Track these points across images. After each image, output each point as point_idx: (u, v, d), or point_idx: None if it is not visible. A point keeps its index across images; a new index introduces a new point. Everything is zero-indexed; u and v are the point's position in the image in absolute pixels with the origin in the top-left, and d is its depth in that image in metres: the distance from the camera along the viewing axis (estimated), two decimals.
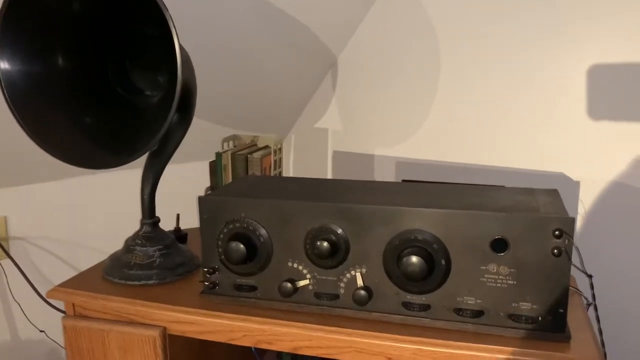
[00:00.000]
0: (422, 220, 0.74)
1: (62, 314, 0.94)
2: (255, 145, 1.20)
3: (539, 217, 0.69)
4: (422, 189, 0.88)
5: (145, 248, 0.94)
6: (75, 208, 1.28)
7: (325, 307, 0.81)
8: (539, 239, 0.70)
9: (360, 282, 0.78)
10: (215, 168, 1.11)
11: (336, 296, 0.80)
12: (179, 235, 1.11)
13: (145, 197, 0.95)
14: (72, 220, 1.28)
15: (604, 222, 1.13)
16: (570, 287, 0.71)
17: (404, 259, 0.73)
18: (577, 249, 0.69)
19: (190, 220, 1.21)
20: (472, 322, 0.75)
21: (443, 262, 0.74)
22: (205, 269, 0.85)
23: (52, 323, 1.18)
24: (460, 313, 0.75)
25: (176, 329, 0.86)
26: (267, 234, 0.81)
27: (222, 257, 0.84)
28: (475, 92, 1.29)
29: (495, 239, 0.72)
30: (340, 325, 0.78)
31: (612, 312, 0.88)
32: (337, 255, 0.78)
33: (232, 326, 0.82)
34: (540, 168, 1.24)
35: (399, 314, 0.77)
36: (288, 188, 0.89)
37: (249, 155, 1.10)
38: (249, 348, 0.86)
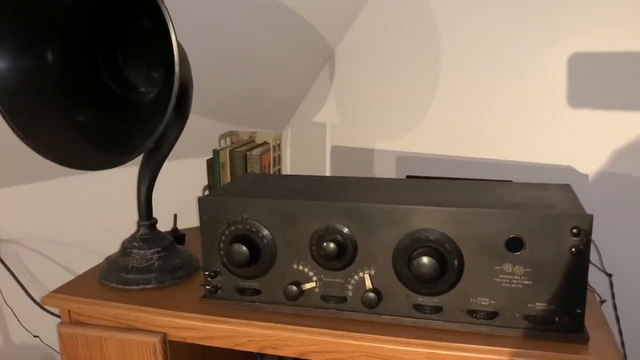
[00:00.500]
0: (433, 219, 0.71)
1: (57, 318, 0.90)
2: (254, 141, 1.16)
3: (557, 215, 0.67)
4: (428, 185, 0.85)
5: (142, 251, 0.91)
6: (68, 209, 1.24)
7: (332, 310, 0.78)
8: (556, 237, 0.67)
9: (369, 284, 0.75)
10: (212, 166, 1.07)
11: (344, 299, 0.77)
12: (177, 236, 1.08)
13: (141, 197, 0.92)
14: (65, 221, 1.24)
15: (616, 218, 1.10)
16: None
17: (415, 260, 0.70)
18: (595, 246, 0.66)
19: (187, 220, 1.18)
20: (486, 324, 0.72)
21: (456, 262, 0.71)
22: (207, 273, 0.82)
23: (47, 327, 1.14)
24: (474, 315, 0.72)
25: (177, 335, 0.82)
26: (270, 235, 0.78)
27: (224, 259, 0.80)
28: (477, 84, 1.26)
29: (511, 237, 0.69)
30: (349, 329, 0.75)
31: (631, 312, 0.86)
32: (344, 256, 0.75)
33: (236, 331, 0.79)
34: (545, 161, 1.22)
35: (410, 317, 0.75)
36: (291, 187, 0.86)
37: (247, 153, 1.06)
38: (252, 352, 0.83)
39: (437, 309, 0.73)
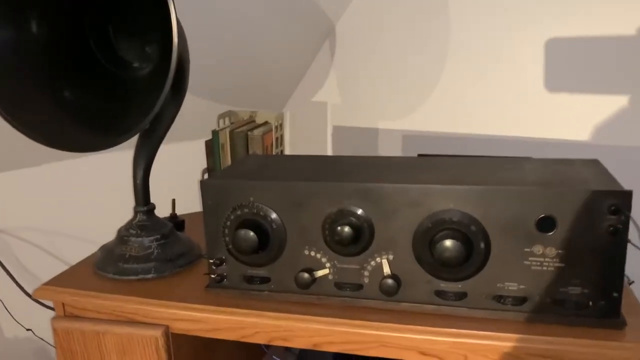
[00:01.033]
0: (457, 199, 0.66)
1: (51, 311, 0.85)
2: (254, 121, 1.10)
3: (593, 192, 0.61)
4: (446, 163, 0.79)
5: (140, 239, 0.85)
6: (59, 196, 1.18)
7: (347, 298, 0.73)
8: (591, 216, 0.62)
9: (387, 269, 0.70)
10: (212, 147, 1.01)
11: (359, 286, 0.72)
12: (176, 222, 1.01)
13: (138, 182, 0.85)
14: (55, 209, 1.18)
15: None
16: None
17: (438, 243, 0.65)
18: (635, 225, 0.62)
19: (186, 206, 1.12)
20: (514, 310, 0.67)
21: (482, 245, 0.66)
22: (211, 261, 0.76)
23: (40, 321, 1.08)
24: (501, 300, 0.67)
25: (180, 328, 0.77)
26: (279, 220, 0.72)
27: (230, 246, 0.75)
28: (487, 59, 1.20)
29: (542, 217, 0.64)
30: (366, 318, 0.70)
31: None
32: (360, 241, 0.69)
33: (244, 322, 0.74)
34: (557, 136, 1.17)
35: (432, 304, 0.70)
36: (299, 167, 0.80)
37: (249, 133, 1.00)
38: (258, 344, 0.77)
39: (461, 295, 0.69)
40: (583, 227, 0.63)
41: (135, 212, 0.87)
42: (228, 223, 0.74)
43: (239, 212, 0.73)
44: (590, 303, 0.65)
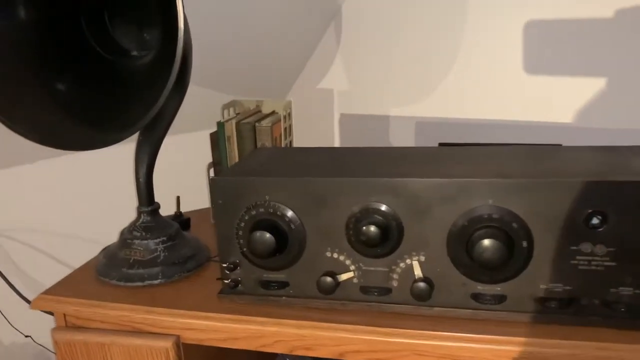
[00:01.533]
0: (496, 194, 0.60)
1: (51, 315, 0.79)
2: (260, 111, 1.04)
3: None
4: (476, 154, 0.73)
5: (145, 241, 0.79)
6: (56, 194, 1.11)
7: (374, 303, 0.67)
8: None
9: (418, 272, 0.64)
10: (217, 140, 0.95)
11: (388, 290, 0.66)
12: (181, 221, 0.95)
13: (140, 180, 0.79)
14: (53, 208, 1.11)
15: None
16: None
17: (476, 243, 0.59)
18: None
19: (190, 202, 1.05)
20: (559, 313, 0.61)
21: (524, 243, 0.60)
22: (224, 265, 0.70)
23: (39, 326, 1.02)
24: (545, 303, 0.62)
25: (192, 337, 0.71)
26: (298, 219, 0.66)
27: (244, 249, 0.69)
28: (506, 40, 1.13)
29: (591, 212, 0.58)
30: (396, 324, 0.65)
31: None
32: (388, 241, 0.63)
33: (262, 332, 0.68)
34: (586, 123, 1.11)
35: (468, 308, 0.64)
36: (317, 161, 0.74)
37: (256, 124, 0.94)
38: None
39: (501, 298, 0.63)
40: (637, 222, 0.57)
41: (139, 213, 0.81)
42: (242, 224, 0.68)
43: (253, 212, 0.67)
44: None
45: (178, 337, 0.71)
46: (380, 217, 0.63)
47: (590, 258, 0.59)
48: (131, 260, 0.78)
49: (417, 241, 0.63)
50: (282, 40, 1.26)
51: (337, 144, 1.40)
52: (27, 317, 1.01)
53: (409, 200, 0.62)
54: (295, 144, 1.39)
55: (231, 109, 1.02)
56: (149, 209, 0.80)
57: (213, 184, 0.68)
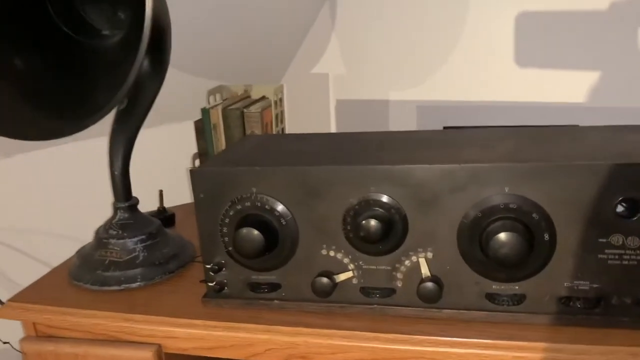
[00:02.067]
0: (514, 181, 0.52)
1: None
2: (249, 96, 0.96)
3: None
4: (484, 136, 0.65)
5: (122, 240, 0.71)
6: (31, 191, 1.03)
7: (377, 306, 0.60)
8: None
9: (425, 270, 0.57)
10: (202, 128, 0.87)
11: (391, 291, 0.59)
12: (165, 217, 0.88)
13: (116, 173, 0.72)
14: (30, 206, 1.04)
15: None
16: None
17: (492, 237, 0.52)
18: None
19: (174, 197, 0.98)
20: (586, 314, 0.54)
21: (546, 236, 0.53)
22: (208, 266, 0.63)
23: (19, 331, 0.95)
24: (570, 303, 0.55)
25: (175, 347, 0.64)
26: (289, 214, 0.59)
27: (230, 248, 0.61)
28: (508, 21, 1.05)
29: (622, 199, 0.51)
30: (401, 330, 0.57)
31: None
32: (390, 236, 0.56)
33: (252, 339, 0.61)
34: (599, 102, 1.03)
35: (483, 310, 0.57)
36: (310, 149, 0.66)
37: (244, 110, 0.86)
38: None
39: (519, 299, 0.56)
40: None
41: (115, 209, 0.73)
42: (227, 220, 0.60)
43: (239, 207, 0.60)
44: None
45: (159, 346, 0.64)
46: (381, 210, 0.56)
47: (621, 252, 0.52)
48: (107, 262, 0.70)
49: (424, 236, 0.56)
50: (273, 21, 1.18)
51: (333, 130, 1.32)
52: (5, 322, 0.94)
53: (413, 189, 0.55)
54: (289, 133, 1.32)
55: (217, 95, 0.94)
56: (126, 204, 0.72)
57: (194, 176, 0.61)
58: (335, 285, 0.59)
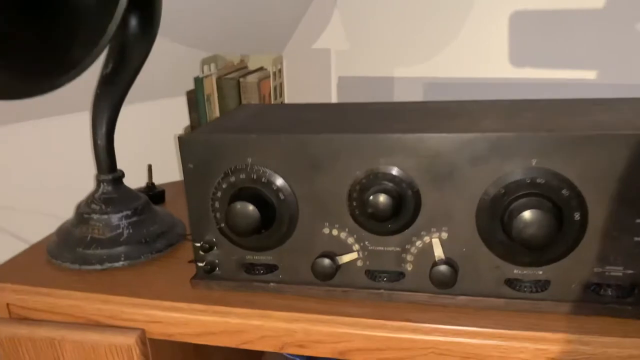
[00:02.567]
0: (542, 152, 0.47)
1: None
2: (246, 67, 0.90)
3: None
4: (505, 106, 0.59)
5: (106, 216, 0.65)
6: (10, 165, 0.97)
7: (384, 291, 0.54)
8: None
9: (439, 252, 0.51)
10: (195, 99, 0.81)
11: (400, 275, 0.53)
12: (154, 193, 0.82)
13: (99, 142, 0.65)
14: (9, 181, 0.98)
15: None
16: None
17: (517, 216, 0.46)
18: None
19: (165, 175, 0.92)
20: (617, 304, 0.49)
21: (577, 216, 0.47)
22: (198, 244, 0.57)
23: None
24: (600, 291, 0.49)
25: (160, 332, 0.58)
26: (288, 188, 0.53)
27: (222, 225, 0.55)
28: None
29: None
30: (411, 317, 0.52)
31: None
32: (401, 214, 0.50)
33: (244, 325, 0.55)
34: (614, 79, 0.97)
35: (502, 297, 0.51)
36: (311, 118, 0.60)
37: (241, 79, 0.80)
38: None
39: (543, 285, 0.50)
40: None
41: (98, 182, 0.67)
42: (218, 194, 0.54)
43: (232, 179, 0.54)
44: None
45: (143, 331, 0.59)
46: (391, 184, 0.50)
47: None
48: (88, 239, 0.65)
49: (438, 214, 0.50)
50: None
51: None
52: None
53: (428, 161, 0.49)
54: None
55: (212, 65, 0.88)
56: (110, 177, 0.66)
57: (182, 144, 0.54)
58: (338, 267, 0.54)
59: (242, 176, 0.53)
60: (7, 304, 0.63)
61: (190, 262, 0.60)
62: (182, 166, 0.55)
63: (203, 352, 0.72)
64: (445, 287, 0.51)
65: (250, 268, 0.57)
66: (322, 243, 0.54)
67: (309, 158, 0.52)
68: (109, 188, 0.67)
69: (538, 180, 0.47)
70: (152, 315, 0.58)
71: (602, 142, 0.45)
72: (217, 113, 0.81)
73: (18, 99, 0.47)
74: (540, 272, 0.50)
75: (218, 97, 0.80)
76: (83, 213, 0.66)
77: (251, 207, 0.52)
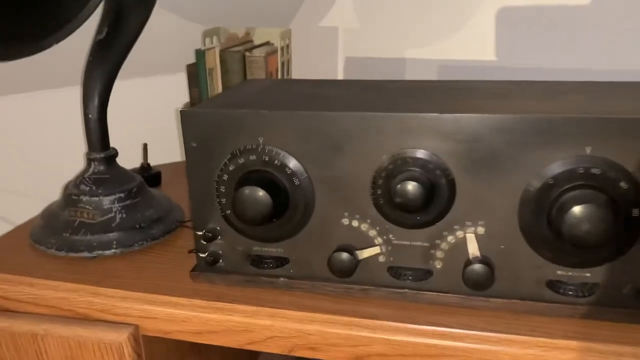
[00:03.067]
0: (599, 139, 0.41)
1: None
2: (251, 41, 0.83)
3: None
4: (543, 88, 0.53)
5: (96, 198, 0.59)
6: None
7: (409, 291, 0.48)
8: None
9: (474, 249, 0.45)
10: (196, 74, 0.74)
11: (427, 273, 0.48)
12: (149, 175, 0.76)
13: (90, 115, 0.59)
14: None
15: None
16: None
17: (568, 210, 0.40)
18: None
19: (161, 155, 0.85)
20: None
21: (635, 212, 0.41)
22: (200, 233, 0.51)
23: None
24: None
25: (155, 329, 0.53)
26: (304, 172, 0.47)
27: (227, 212, 0.49)
28: None
29: None
30: (438, 321, 0.46)
31: None
32: (432, 205, 0.45)
33: (250, 325, 0.50)
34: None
35: (541, 300, 0.46)
36: (330, 94, 0.54)
37: (246, 53, 0.73)
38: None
39: (590, 288, 0.45)
40: None
41: (89, 160, 0.61)
42: (225, 177, 0.48)
43: (241, 161, 0.47)
44: None
45: (136, 327, 0.53)
46: (422, 171, 0.44)
47: None
48: (76, 223, 0.58)
49: (475, 206, 0.44)
50: None
51: None
52: None
53: (465, 146, 0.43)
54: None
55: (214, 37, 0.81)
56: (102, 155, 0.60)
57: (185, 118, 0.48)
58: (357, 262, 0.48)
59: (252, 157, 0.47)
60: None
61: (190, 252, 0.54)
62: (184, 145, 0.49)
63: (200, 350, 0.67)
64: (480, 288, 0.45)
65: (257, 261, 0.51)
66: (340, 235, 0.48)
67: (329, 138, 0.46)
68: (101, 167, 0.60)
69: (593, 171, 0.41)
70: (147, 310, 0.52)
71: None
72: (219, 89, 0.74)
73: (7, 60, 0.41)
74: (588, 274, 0.44)
75: (221, 71, 0.74)
76: (71, 194, 0.60)
77: (261, 193, 0.46)
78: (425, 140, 0.44)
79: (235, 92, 0.57)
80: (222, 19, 0.97)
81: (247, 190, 0.46)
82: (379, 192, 0.46)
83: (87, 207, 0.59)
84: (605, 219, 0.40)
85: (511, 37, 0.98)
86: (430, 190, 0.44)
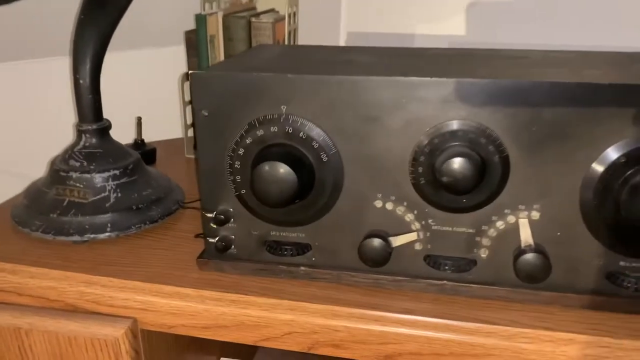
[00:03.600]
0: None
1: None
2: (254, 8, 0.76)
3: None
4: (601, 58, 0.48)
5: (88, 175, 0.52)
6: None
7: (449, 283, 0.43)
8: None
9: (526, 236, 0.40)
10: (196, 41, 0.67)
11: (471, 263, 0.42)
12: (143, 151, 0.69)
13: (81, 81, 0.52)
14: None
15: None
16: None
17: (637, 195, 0.35)
18: None
19: (156, 131, 0.79)
20: None
21: None
22: (210, 215, 0.45)
23: None
24: None
25: (155, 322, 0.47)
26: (333, 147, 0.41)
27: (243, 191, 0.43)
28: None
29: None
30: (482, 317, 0.41)
31: None
32: (482, 185, 0.39)
33: (266, 319, 0.44)
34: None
35: (600, 294, 0.41)
36: (358, 60, 0.48)
37: (253, 19, 0.67)
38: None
39: None
40: None
41: (79, 133, 0.54)
42: (241, 151, 0.42)
43: (260, 132, 0.41)
44: None
45: (135, 321, 0.47)
46: (472, 146, 0.38)
47: None
48: (65, 203, 0.52)
49: (530, 187, 0.39)
50: None
51: None
52: None
53: (525, 118, 0.38)
54: None
55: (214, 3, 0.74)
56: (95, 126, 0.53)
57: (195, 83, 0.42)
58: (391, 250, 0.42)
59: (274, 129, 0.41)
60: None
61: (197, 236, 0.48)
62: (193, 114, 0.43)
63: (201, 345, 0.61)
64: (534, 281, 0.40)
65: (275, 247, 0.45)
66: (372, 219, 0.42)
67: (363, 108, 0.40)
68: (93, 140, 0.53)
69: None
70: (147, 302, 0.46)
71: None
72: (221, 58, 0.68)
73: None
74: None
75: (224, 38, 0.67)
76: (59, 170, 0.53)
77: (283, 170, 0.40)
78: (477, 110, 0.38)
79: (248, 57, 0.50)
80: None
81: (266, 167, 0.40)
82: (420, 170, 0.40)
83: (78, 184, 0.52)
84: None
85: (531, 12, 0.92)
86: (481, 168, 0.38)
